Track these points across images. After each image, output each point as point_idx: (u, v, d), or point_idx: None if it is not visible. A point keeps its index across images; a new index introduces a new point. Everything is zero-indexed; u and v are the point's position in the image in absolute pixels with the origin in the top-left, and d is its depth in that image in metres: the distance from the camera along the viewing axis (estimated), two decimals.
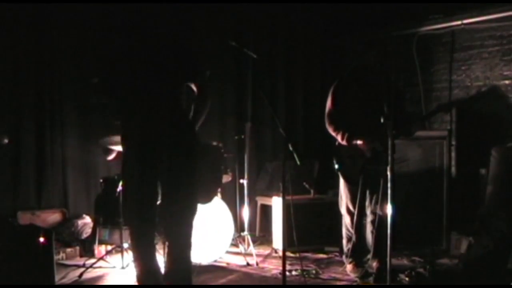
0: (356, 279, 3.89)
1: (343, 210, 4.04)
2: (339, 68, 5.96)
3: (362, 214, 3.97)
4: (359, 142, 3.77)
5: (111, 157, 4.22)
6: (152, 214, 3.06)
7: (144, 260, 3.05)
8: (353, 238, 3.98)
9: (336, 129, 3.88)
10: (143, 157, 2.97)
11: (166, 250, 3.18)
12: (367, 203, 3.95)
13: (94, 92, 4.29)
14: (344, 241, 4.08)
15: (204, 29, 5.24)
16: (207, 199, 3.93)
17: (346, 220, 4.02)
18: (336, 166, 3.90)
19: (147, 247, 3.08)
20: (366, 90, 3.81)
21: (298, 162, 3.15)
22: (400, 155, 3.97)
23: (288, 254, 4.22)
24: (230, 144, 5.26)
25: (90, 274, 3.99)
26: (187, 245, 3.12)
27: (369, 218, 3.99)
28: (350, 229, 3.99)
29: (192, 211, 3.12)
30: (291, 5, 5.80)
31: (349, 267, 4.03)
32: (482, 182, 4.44)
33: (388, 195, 3.24)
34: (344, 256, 4.11)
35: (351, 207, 3.92)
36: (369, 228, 4.01)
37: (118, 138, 3.34)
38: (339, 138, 3.86)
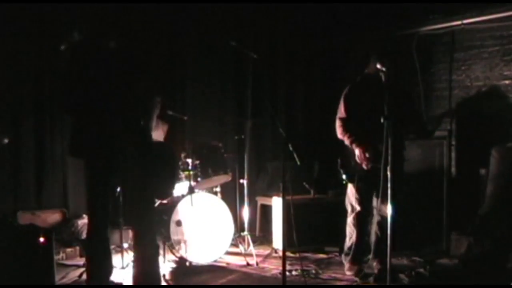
0: (357, 279, 3.89)
1: (348, 208, 4.04)
2: (339, 68, 5.97)
3: (366, 213, 3.98)
4: (356, 151, 3.79)
5: None
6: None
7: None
8: (353, 237, 3.98)
9: (343, 131, 3.92)
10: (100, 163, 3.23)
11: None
12: (374, 203, 3.96)
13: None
14: (347, 239, 4.08)
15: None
16: (165, 194, 4.09)
17: (349, 218, 4.03)
18: (344, 177, 3.93)
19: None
20: (376, 96, 3.79)
21: (298, 162, 3.15)
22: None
23: (288, 254, 4.22)
24: (230, 144, 5.26)
25: None
26: (146, 246, 3.31)
27: (376, 218, 3.99)
28: (353, 227, 3.99)
29: (147, 211, 3.33)
30: (291, 5, 5.80)
31: (346, 265, 4.04)
32: (482, 182, 4.44)
33: (388, 195, 3.24)
34: (343, 255, 4.11)
35: (355, 205, 3.94)
36: (374, 228, 4.01)
37: None
38: (345, 139, 3.90)
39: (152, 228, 3.41)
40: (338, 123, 3.98)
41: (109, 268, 3.42)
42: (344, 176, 3.94)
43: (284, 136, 3.15)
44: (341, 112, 3.99)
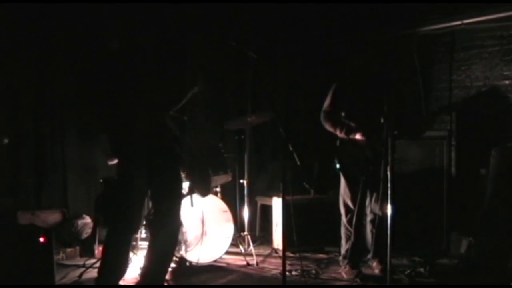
0: (357, 279, 3.88)
1: (342, 209, 4.03)
2: (339, 68, 5.96)
3: (361, 214, 3.96)
4: (357, 136, 3.77)
5: (112, 162, 4.23)
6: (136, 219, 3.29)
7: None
8: (352, 237, 3.96)
9: (333, 125, 3.89)
10: (136, 168, 3.22)
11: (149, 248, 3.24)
12: (367, 202, 3.95)
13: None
14: (343, 242, 4.04)
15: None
16: (205, 192, 4.26)
17: (345, 218, 4.01)
18: (337, 166, 3.91)
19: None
20: (366, 90, 3.81)
21: (298, 162, 3.15)
22: (400, 155, 3.96)
23: (288, 254, 4.22)
24: (230, 144, 5.25)
25: (90, 274, 3.98)
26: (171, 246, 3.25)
27: (368, 217, 3.99)
28: (349, 227, 3.96)
29: (176, 215, 3.26)
30: (291, 5, 5.80)
31: (344, 270, 4.00)
32: (482, 182, 4.43)
33: (388, 195, 3.24)
34: (341, 258, 4.08)
35: (351, 206, 3.92)
36: (368, 227, 4.01)
37: None
38: (337, 132, 3.87)
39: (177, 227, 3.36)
40: (323, 117, 3.95)
41: (122, 272, 3.30)
42: (338, 166, 3.91)
43: (284, 136, 3.15)
44: (326, 105, 3.96)
